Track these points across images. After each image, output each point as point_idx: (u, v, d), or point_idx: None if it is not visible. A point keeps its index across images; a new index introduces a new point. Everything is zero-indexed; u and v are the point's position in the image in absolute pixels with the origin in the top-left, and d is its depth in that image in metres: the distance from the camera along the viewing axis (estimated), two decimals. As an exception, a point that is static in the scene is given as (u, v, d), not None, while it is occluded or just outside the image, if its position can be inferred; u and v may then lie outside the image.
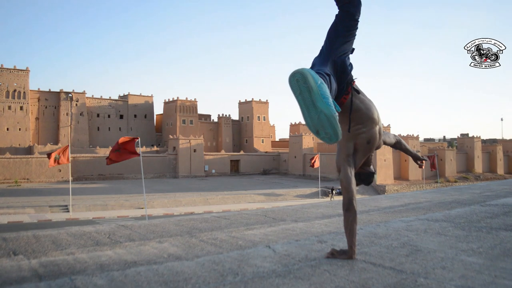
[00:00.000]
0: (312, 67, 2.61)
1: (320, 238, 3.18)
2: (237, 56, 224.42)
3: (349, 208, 2.55)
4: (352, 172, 2.64)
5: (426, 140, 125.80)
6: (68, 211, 38.29)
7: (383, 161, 68.37)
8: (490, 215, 4.06)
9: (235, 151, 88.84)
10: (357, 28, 2.60)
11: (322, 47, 2.64)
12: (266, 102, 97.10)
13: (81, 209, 39.89)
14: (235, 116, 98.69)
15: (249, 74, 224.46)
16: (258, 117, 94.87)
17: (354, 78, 2.65)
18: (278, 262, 2.48)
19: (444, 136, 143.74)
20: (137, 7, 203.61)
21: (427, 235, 3.19)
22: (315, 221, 5.20)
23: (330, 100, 2.13)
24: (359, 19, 2.58)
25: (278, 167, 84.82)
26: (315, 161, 49.88)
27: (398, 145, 3.19)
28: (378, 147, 2.80)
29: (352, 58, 2.70)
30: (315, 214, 5.99)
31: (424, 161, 3.36)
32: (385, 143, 2.97)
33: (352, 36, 2.60)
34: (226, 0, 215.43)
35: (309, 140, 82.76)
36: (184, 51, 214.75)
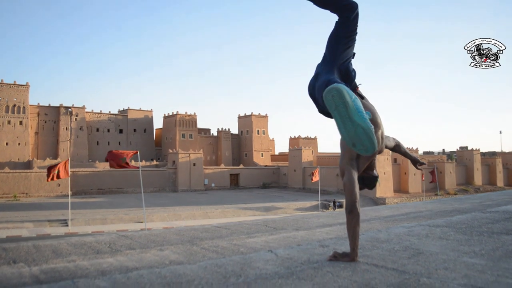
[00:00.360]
0: (317, 75, 2.67)
1: (322, 243, 3.18)
2: (236, 71, 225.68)
3: (352, 211, 2.56)
4: (355, 176, 2.65)
5: (425, 153, 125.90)
6: (67, 225, 38.09)
7: (383, 174, 68.27)
8: (491, 221, 4.06)
9: (235, 165, 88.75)
10: (356, 33, 2.66)
11: (325, 54, 2.70)
12: (266, 116, 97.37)
13: (80, 223, 39.71)
14: (234, 130, 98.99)
15: (248, 88, 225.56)
16: (258, 131, 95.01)
17: (358, 84, 2.69)
18: (280, 265, 2.48)
19: (444, 149, 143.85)
20: (137, 22, 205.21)
21: (428, 239, 3.19)
22: (316, 229, 5.20)
23: (365, 113, 2.21)
24: (358, 25, 2.63)
25: (277, 181, 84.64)
26: (315, 175, 49.92)
27: (397, 148, 3.21)
28: (380, 151, 2.82)
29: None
30: (316, 223, 5.98)
31: (423, 164, 3.39)
32: (386, 147, 2.99)
33: (353, 41, 2.66)
34: (225, 15, 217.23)
35: (308, 154, 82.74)
36: (183, 66, 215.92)
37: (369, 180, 2.89)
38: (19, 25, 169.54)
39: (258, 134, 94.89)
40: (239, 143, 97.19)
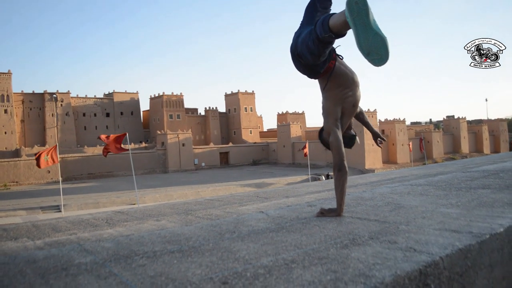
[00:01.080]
0: (299, 34, 2.76)
1: (310, 203, 3.37)
2: (221, 48, 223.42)
3: (340, 168, 2.73)
4: (341, 135, 2.81)
5: (413, 123, 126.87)
6: (60, 211, 38.14)
7: (371, 146, 68.94)
8: (470, 178, 4.29)
9: (224, 143, 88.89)
10: (331, 4, 2.80)
11: (302, 21, 2.81)
12: (253, 93, 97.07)
13: (73, 208, 39.79)
14: (222, 108, 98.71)
15: (234, 66, 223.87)
16: (245, 108, 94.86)
17: (336, 46, 2.81)
18: (271, 222, 2.66)
19: (431, 119, 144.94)
20: (120, 3, 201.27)
21: (410, 196, 3.40)
22: (305, 196, 5.40)
23: (379, 26, 2.27)
24: None
25: (267, 157, 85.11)
26: (305, 150, 50.35)
27: (361, 116, 3.31)
28: (358, 111, 3.00)
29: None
30: (306, 191, 6.20)
31: (384, 141, 3.44)
32: None
33: (329, 10, 2.78)
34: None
35: (297, 129, 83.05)
36: (167, 46, 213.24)
37: (348, 139, 3.02)
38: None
39: (246, 111, 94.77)
40: (227, 121, 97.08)
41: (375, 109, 71.09)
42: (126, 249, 2.13)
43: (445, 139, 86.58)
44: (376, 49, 2.25)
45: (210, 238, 2.28)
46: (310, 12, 2.77)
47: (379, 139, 3.44)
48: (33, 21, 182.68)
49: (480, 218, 2.37)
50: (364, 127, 3.46)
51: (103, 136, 24.29)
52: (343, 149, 2.76)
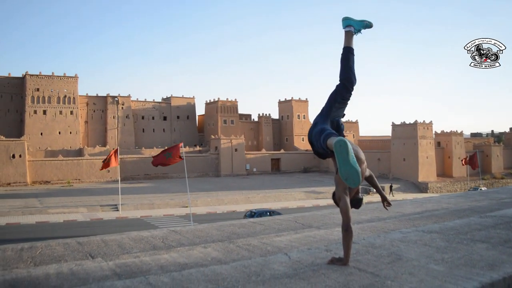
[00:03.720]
0: (315, 124, 3.60)
1: (328, 247, 4.05)
2: (276, 56, 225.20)
3: (347, 229, 3.44)
4: (349, 201, 3.54)
5: (472, 135, 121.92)
6: (118, 210, 40.49)
7: (425, 158, 67.29)
8: (480, 227, 4.77)
9: (276, 150, 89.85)
10: (350, 98, 3.59)
11: (323, 108, 3.61)
12: (306, 101, 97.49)
13: (130, 208, 42.04)
14: (275, 115, 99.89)
15: (288, 73, 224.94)
16: (298, 115, 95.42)
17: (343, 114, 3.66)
18: (290, 266, 3.38)
19: (493, 131, 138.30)
20: (178, 10, 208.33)
21: (415, 245, 3.99)
22: (335, 228, 6.04)
23: (356, 161, 3.22)
24: (352, 92, 3.59)
25: (318, 165, 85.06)
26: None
27: (370, 179, 4.00)
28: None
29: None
30: (337, 222, 6.83)
31: (390, 205, 4.11)
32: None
33: (346, 104, 3.61)
34: (265, 2, 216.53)
35: (349, 138, 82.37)
36: (224, 52, 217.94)
37: (356, 201, 3.73)
38: (66, 21, 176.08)
39: (299, 118, 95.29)
40: (279, 128, 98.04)
41: (431, 121, 69.29)
42: (179, 285, 2.94)
43: (506, 154, 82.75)
44: (351, 177, 3.18)
45: (240, 279, 3.04)
46: (330, 102, 3.58)
47: (385, 202, 4.07)
48: (99, 29, 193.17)
49: (454, 279, 2.96)
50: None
51: (158, 157, 25.65)
52: (351, 213, 3.46)
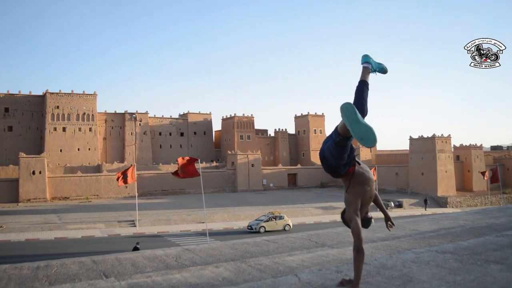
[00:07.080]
0: (324, 143, 3.61)
1: (339, 268, 4.03)
2: (292, 71, 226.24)
3: (358, 250, 3.43)
4: (360, 222, 3.54)
5: (493, 148, 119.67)
6: (135, 226, 40.72)
7: (444, 172, 66.24)
8: (496, 247, 4.69)
9: (292, 165, 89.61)
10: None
11: (331, 133, 3.61)
12: (322, 115, 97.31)
13: (147, 223, 42.22)
14: (291, 130, 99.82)
15: (304, 88, 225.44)
16: (315, 130, 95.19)
17: (356, 154, 3.60)
18: (299, 289, 3.38)
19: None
20: (195, 28, 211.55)
21: (427, 267, 3.94)
22: (349, 247, 6.00)
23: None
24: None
25: (335, 180, 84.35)
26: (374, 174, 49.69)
27: (375, 198, 3.99)
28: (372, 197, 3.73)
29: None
30: (351, 240, 6.77)
31: (393, 226, 4.15)
32: None
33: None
34: (283, 20, 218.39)
35: (366, 152, 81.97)
36: (240, 69, 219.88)
37: (365, 221, 3.74)
38: (85, 40, 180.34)
39: (315, 133, 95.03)
40: (296, 143, 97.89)
41: (449, 134, 68.33)
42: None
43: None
44: (366, 136, 3.10)
45: (248, 302, 3.04)
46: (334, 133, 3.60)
47: (389, 222, 4.07)
48: (117, 46, 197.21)
49: (465, 302, 2.92)
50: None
51: (180, 159, 26.05)
52: (362, 234, 3.46)
